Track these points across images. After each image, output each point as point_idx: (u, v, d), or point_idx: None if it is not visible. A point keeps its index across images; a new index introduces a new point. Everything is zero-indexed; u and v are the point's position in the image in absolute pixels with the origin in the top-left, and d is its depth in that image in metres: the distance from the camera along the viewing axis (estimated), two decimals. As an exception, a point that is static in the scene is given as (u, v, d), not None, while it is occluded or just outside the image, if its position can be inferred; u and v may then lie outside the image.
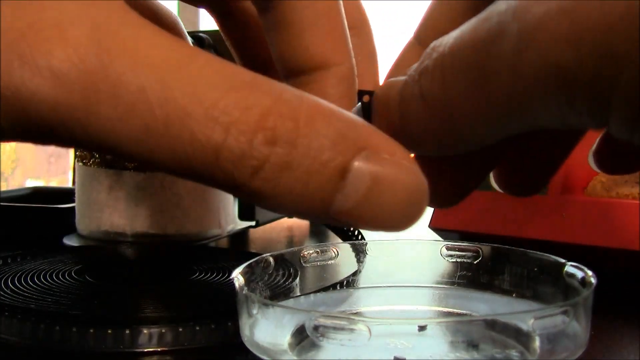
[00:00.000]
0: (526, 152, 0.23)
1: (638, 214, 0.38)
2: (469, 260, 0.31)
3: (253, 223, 0.52)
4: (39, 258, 0.40)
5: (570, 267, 0.27)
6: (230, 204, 0.50)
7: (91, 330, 0.28)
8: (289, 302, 0.30)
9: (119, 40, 0.15)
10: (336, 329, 0.21)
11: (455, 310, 0.30)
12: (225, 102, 0.15)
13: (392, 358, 0.23)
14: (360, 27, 0.24)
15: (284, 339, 0.24)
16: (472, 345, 0.24)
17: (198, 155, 0.15)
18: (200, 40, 0.31)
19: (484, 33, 0.16)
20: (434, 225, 0.47)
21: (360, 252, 0.32)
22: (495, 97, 0.16)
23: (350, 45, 0.22)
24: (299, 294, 0.31)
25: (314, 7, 0.21)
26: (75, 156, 0.50)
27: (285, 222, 0.65)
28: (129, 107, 0.15)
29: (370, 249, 0.32)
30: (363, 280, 0.32)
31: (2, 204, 0.55)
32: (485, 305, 0.30)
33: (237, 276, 0.26)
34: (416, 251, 0.32)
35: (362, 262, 0.32)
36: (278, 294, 0.30)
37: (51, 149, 1.86)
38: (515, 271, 0.30)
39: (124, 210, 0.45)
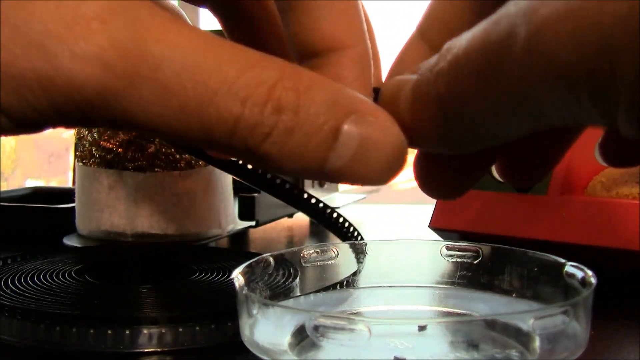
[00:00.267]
0: (528, 145, 0.23)
1: (638, 214, 0.38)
2: (469, 260, 0.31)
3: (253, 223, 0.52)
4: (39, 258, 0.40)
5: (570, 267, 0.27)
6: (230, 204, 0.50)
7: (91, 331, 0.28)
8: (289, 302, 0.30)
9: (152, 30, 0.17)
10: (336, 329, 0.21)
11: (455, 310, 0.30)
12: (243, 79, 0.17)
13: (392, 358, 0.23)
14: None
15: (284, 339, 0.24)
16: (472, 345, 0.24)
17: (221, 127, 0.17)
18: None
19: (494, 36, 0.16)
20: (434, 225, 0.47)
21: (360, 252, 0.32)
22: (508, 98, 0.16)
23: (366, 27, 0.22)
24: (299, 294, 0.31)
25: None
26: (75, 156, 0.50)
27: (285, 222, 0.65)
28: (167, 90, 0.17)
29: (370, 249, 0.32)
30: (363, 280, 0.32)
31: (2, 204, 0.55)
32: (485, 305, 0.30)
33: (237, 276, 0.26)
34: (416, 251, 0.32)
35: (361, 262, 0.32)
36: (278, 294, 0.30)
37: (51, 149, 1.87)
38: (515, 271, 0.30)
39: (124, 210, 0.45)
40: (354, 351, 0.21)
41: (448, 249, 0.32)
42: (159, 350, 0.28)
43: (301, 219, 0.65)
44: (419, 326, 0.24)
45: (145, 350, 0.28)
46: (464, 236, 0.44)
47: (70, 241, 0.48)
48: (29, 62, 0.16)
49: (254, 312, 0.24)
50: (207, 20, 1.01)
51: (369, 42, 0.22)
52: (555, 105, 0.15)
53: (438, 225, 0.46)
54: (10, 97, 0.17)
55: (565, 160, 0.25)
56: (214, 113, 0.17)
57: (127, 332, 0.28)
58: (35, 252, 0.41)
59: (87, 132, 0.47)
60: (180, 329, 0.28)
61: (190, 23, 0.21)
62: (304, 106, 0.18)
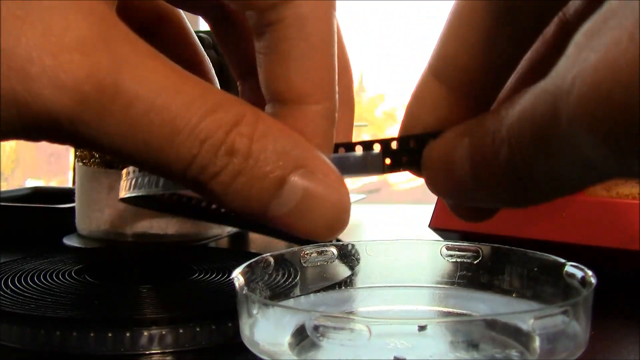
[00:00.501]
0: None
1: (638, 214, 0.38)
2: (469, 260, 0.31)
3: (253, 223, 0.52)
4: (39, 258, 0.40)
5: (570, 267, 0.27)
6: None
7: (91, 334, 0.28)
8: (289, 302, 0.30)
9: (130, 66, 0.18)
10: (336, 329, 0.21)
11: (455, 310, 0.30)
12: (204, 123, 0.18)
13: (392, 358, 0.23)
14: (343, 73, 0.24)
15: (284, 339, 0.24)
16: (472, 345, 0.24)
17: (178, 163, 0.18)
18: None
19: (540, 110, 0.17)
20: (434, 225, 0.47)
21: (356, 252, 0.32)
22: (563, 166, 0.17)
23: (336, 84, 0.22)
24: (299, 294, 0.31)
25: (308, 40, 0.21)
26: (75, 156, 0.50)
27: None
28: (135, 126, 0.18)
29: (370, 249, 0.32)
30: (363, 280, 0.32)
31: (2, 204, 0.55)
32: (485, 305, 0.30)
33: (237, 276, 0.26)
34: (416, 251, 0.32)
35: (358, 263, 0.32)
36: (278, 294, 0.30)
37: (51, 149, 1.87)
38: (515, 271, 0.30)
39: (124, 210, 0.45)
40: (354, 351, 0.21)
41: (448, 249, 0.32)
42: (159, 351, 0.28)
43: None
44: (419, 326, 0.24)
45: (146, 352, 0.28)
46: (464, 236, 0.44)
47: (70, 241, 0.48)
48: (7, 83, 0.17)
49: (254, 312, 0.24)
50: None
51: (337, 98, 0.22)
52: (609, 166, 0.16)
53: (438, 225, 0.46)
54: None
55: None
56: (174, 151, 0.18)
57: (128, 334, 0.28)
58: (35, 252, 0.41)
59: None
60: (181, 330, 0.28)
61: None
62: (255, 152, 0.19)
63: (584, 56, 0.15)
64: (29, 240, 0.52)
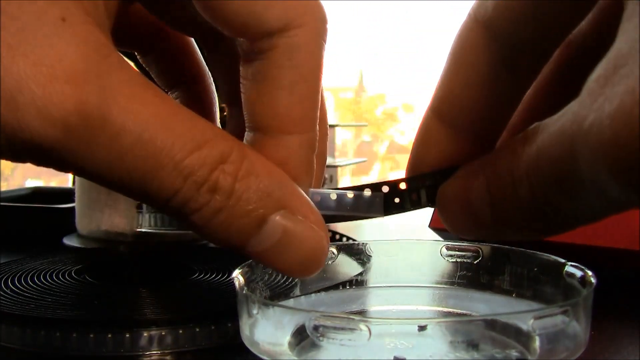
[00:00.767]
0: None
1: (638, 214, 0.38)
2: (469, 260, 0.31)
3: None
4: (39, 258, 0.40)
5: (570, 267, 0.27)
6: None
7: (91, 335, 0.28)
8: (289, 302, 0.30)
9: (119, 98, 0.18)
10: (336, 329, 0.21)
11: (455, 310, 0.30)
12: (189, 159, 0.19)
13: (392, 358, 0.23)
14: (319, 124, 0.24)
15: (284, 339, 0.24)
16: (472, 345, 0.24)
17: (160, 195, 0.19)
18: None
19: (559, 151, 0.17)
20: (434, 225, 0.47)
21: (362, 252, 0.32)
22: (585, 202, 0.17)
23: (318, 114, 0.22)
24: (299, 294, 0.30)
25: (298, 70, 0.21)
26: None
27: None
28: (120, 157, 0.18)
29: (370, 249, 0.32)
30: (363, 280, 0.32)
31: (2, 204, 0.55)
32: (485, 305, 0.30)
33: (237, 276, 0.26)
34: (416, 251, 0.32)
35: (368, 262, 0.32)
36: (278, 294, 0.30)
37: (51, 149, 1.86)
38: (515, 271, 0.30)
39: (124, 210, 0.45)
40: (354, 351, 0.21)
41: (448, 249, 0.31)
42: (159, 352, 0.28)
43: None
44: (419, 326, 0.24)
45: (146, 352, 0.28)
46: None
47: (70, 241, 0.48)
48: None
49: (254, 312, 0.24)
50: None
51: (317, 129, 0.22)
52: (631, 202, 0.17)
53: (438, 225, 0.46)
54: None
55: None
56: (157, 184, 0.18)
57: (128, 335, 0.28)
58: (35, 252, 0.41)
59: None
60: (180, 331, 0.28)
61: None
62: (237, 191, 0.19)
63: (599, 104, 0.15)
64: (29, 240, 0.52)
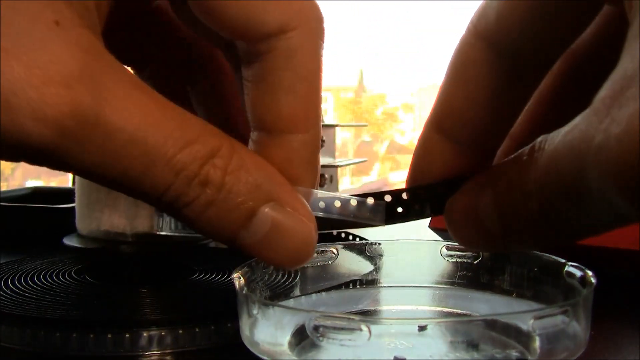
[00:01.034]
0: None
1: (638, 214, 0.38)
2: (469, 260, 0.31)
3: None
4: (39, 258, 0.40)
5: (570, 267, 0.27)
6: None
7: (91, 335, 0.28)
8: (289, 302, 0.30)
9: (113, 99, 0.18)
10: (336, 329, 0.21)
11: (455, 310, 0.30)
12: (180, 155, 0.19)
13: (392, 358, 0.23)
14: None
15: (284, 339, 0.24)
16: (472, 345, 0.24)
17: (153, 190, 0.19)
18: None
19: (567, 168, 0.17)
20: (434, 225, 0.47)
21: (371, 252, 0.32)
22: (595, 216, 0.18)
23: (320, 113, 0.23)
24: (299, 294, 0.30)
25: (297, 71, 0.22)
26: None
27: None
28: (114, 156, 0.18)
29: (370, 249, 0.32)
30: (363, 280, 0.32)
31: (2, 204, 0.55)
32: (485, 305, 0.30)
33: (237, 276, 0.26)
34: (416, 251, 0.32)
35: (377, 263, 0.32)
36: (278, 294, 0.30)
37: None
38: (515, 271, 0.30)
39: (124, 210, 0.45)
40: (354, 351, 0.21)
41: (448, 249, 0.31)
42: (159, 352, 0.28)
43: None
44: (419, 326, 0.24)
45: (145, 353, 0.28)
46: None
47: (70, 241, 0.48)
48: None
49: (254, 312, 0.24)
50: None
51: (320, 126, 0.23)
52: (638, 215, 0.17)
53: (438, 225, 0.46)
54: None
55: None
56: (149, 180, 0.19)
57: (127, 335, 0.28)
58: (35, 252, 0.41)
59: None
60: (180, 331, 0.28)
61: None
62: (227, 184, 0.20)
63: (606, 125, 0.16)
64: (29, 240, 0.52)
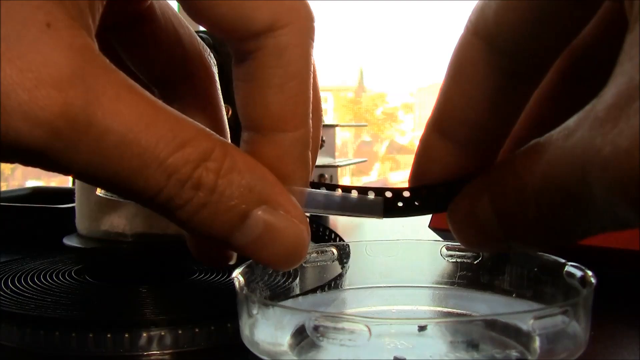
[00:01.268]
0: None
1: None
2: (469, 261, 0.31)
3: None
4: (39, 258, 0.40)
5: (570, 267, 0.27)
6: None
7: (91, 335, 0.28)
8: (289, 302, 0.30)
9: (104, 100, 0.18)
10: (336, 329, 0.21)
11: (455, 310, 0.30)
12: (173, 158, 0.19)
13: (392, 358, 0.23)
14: (313, 111, 0.25)
15: (284, 339, 0.24)
16: (472, 345, 0.24)
17: (145, 193, 0.19)
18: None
19: (568, 175, 0.17)
20: (434, 225, 0.47)
21: (345, 253, 0.32)
22: (594, 221, 0.18)
23: (311, 110, 0.23)
24: (298, 294, 0.30)
25: (286, 69, 0.22)
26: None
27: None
28: (105, 157, 0.18)
29: (370, 249, 0.32)
30: (363, 280, 0.32)
31: (2, 204, 0.55)
32: (485, 305, 0.30)
33: (237, 276, 0.26)
34: (416, 251, 0.32)
35: (345, 263, 0.32)
36: (278, 294, 0.30)
37: (51, 149, 1.86)
38: (515, 271, 0.30)
39: (124, 211, 0.45)
40: (354, 351, 0.21)
41: (448, 249, 0.31)
42: (158, 352, 0.28)
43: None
44: (419, 326, 0.24)
45: (145, 353, 0.28)
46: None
47: (70, 241, 0.48)
48: None
49: (254, 312, 0.24)
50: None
51: (311, 124, 0.23)
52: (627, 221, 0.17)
53: (438, 225, 0.46)
54: None
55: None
56: (142, 182, 0.19)
57: (127, 335, 0.28)
58: (35, 252, 0.41)
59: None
60: (180, 331, 0.28)
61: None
62: (220, 187, 0.20)
63: (614, 137, 0.16)
64: (29, 240, 0.52)
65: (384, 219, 0.24)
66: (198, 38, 0.28)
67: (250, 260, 0.28)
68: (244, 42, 0.21)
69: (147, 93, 0.19)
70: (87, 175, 0.19)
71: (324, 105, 0.25)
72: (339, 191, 0.23)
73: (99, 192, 0.26)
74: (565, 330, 0.22)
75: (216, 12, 0.21)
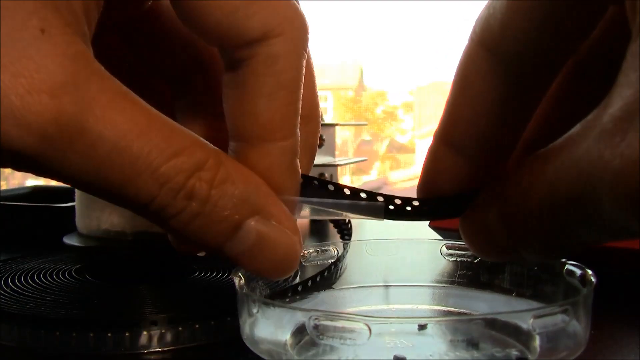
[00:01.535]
0: None
1: (638, 213, 0.38)
2: (469, 259, 0.31)
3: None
4: (39, 257, 0.40)
5: (570, 266, 0.27)
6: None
7: (91, 334, 0.28)
8: (289, 302, 0.30)
9: (97, 107, 0.18)
10: (336, 328, 0.21)
11: (455, 309, 0.30)
12: (166, 167, 0.19)
13: (392, 357, 0.23)
14: (310, 117, 0.25)
15: (284, 338, 0.24)
16: (472, 344, 0.24)
17: (137, 201, 0.19)
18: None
19: (576, 188, 0.17)
20: (434, 224, 0.47)
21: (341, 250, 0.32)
22: (601, 232, 0.18)
23: (299, 120, 0.23)
24: (299, 293, 0.30)
25: (276, 77, 0.21)
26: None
27: (285, 221, 0.65)
28: (96, 165, 0.18)
29: (370, 248, 0.32)
30: (363, 279, 0.32)
31: (2, 202, 0.55)
32: (485, 304, 0.30)
33: (237, 275, 0.26)
34: (416, 250, 0.32)
35: (340, 261, 0.32)
36: (278, 292, 0.30)
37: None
38: (515, 270, 0.30)
39: (124, 210, 0.45)
40: (354, 350, 0.21)
41: (448, 248, 0.32)
42: (159, 350, 0.28)
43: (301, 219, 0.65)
44: (419, 325, 0.24)
45: (145, 351, 0.28)
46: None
47: (70, 240, 0.48)
48: None
49: (254, 311, 0.24)
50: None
51: (298, 133, 0.23)
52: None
53: (438, 224, 0.46)
54: None
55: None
56: (134, 190, 0.19)
57: (127, 334, 0.28)
58: (36, 252, 0.41)
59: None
60: (180, 328, 0.28)
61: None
62: (213, 197, 0.20)
63: (623, 150, 0.16)
64: (29, 239, 0.52)
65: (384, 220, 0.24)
66: None
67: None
68: (236, 49, 0.21)
69: (142, 101, 0.19)
70: (79, 181, 0.19)
71: (323, 104, 0.25)
72: (346, 191, 0.23)
73: None
74: (565, 329, 0.22)
75: (210, 19, 0.21)
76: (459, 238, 0.23)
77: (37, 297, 0.32)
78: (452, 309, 0.30)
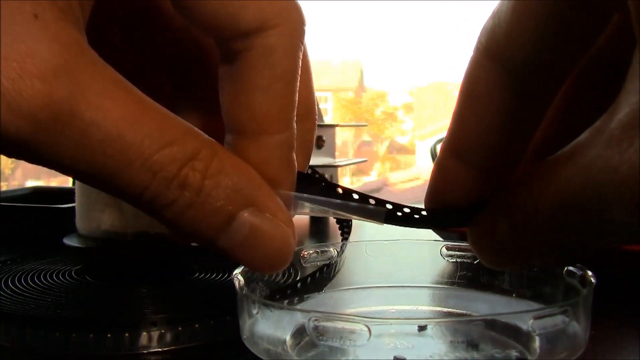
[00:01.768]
0: None
1: (638, 214, 0.38)
2: (469, 260, 0.31)
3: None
4: (39, 258, 0.40)
5: (570, 267, 0.27)
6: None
7: (91, 335, 0.28)
8: (289, 302, 0.30)
9: (89, 94, 0.18)
10: (336, 329, 0.21)
11: (455, 310, 0.30)
12: (158, 155, 0.19)
13: (392, 358, 0.23)
14: (307, 114, 0.25)
15: (284, 338, 0.24)
16: (472, 345, 0.24)
17: (129, 190, 0.19)
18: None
19: (587, 197, 0.17)
20: (434, 225, 0.47)
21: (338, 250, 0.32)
22: (611, 238, 0.18)
23: (295, 113, 0.23)
24: (299, 293, 0.30)
25: (273, 69, 0.21)
26: (75, 156, 0.49)
27: (285, 222, 0.65)
28: (89, 153, 0.18)
29: (370, 249, 0.32)
30: (363, 280, 0.32)
31: (2, 204, 0.55)
32: (485, 305, 0.30)
33: (237, 276, 0.26)
34: (416, 251, 0.32)
35: (337, 261, 0.32)
36: (278, 293, 0.30)
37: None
38: (515, 271, 0.30)
39: (124, 210, 0.45)
40: (353, 351, 0.21)
41: (448, 249, 0.32)
42: (159, 350, 0.28)
43: (301, 219, 0.65)
44: (418, 326, 0.24)
45: (145, 352, 0.28)
46: (464, 236, 0.44)
47: (70, 241, 0.48)
48: None
49: (254, 312, 0.24)
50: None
51: (295, 126, 0.23)
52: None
53: (438, 225, 0.46)
54: None
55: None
56: (126, 179, 0.19)
57: (127, 334, 0.28)
58: (36, 252, 0.41)
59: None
60: (180, 328, 0.28)
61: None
62: (206, 188, 0.20)
63: (630, 156, 0.16)
64: (29, 240, 0.52)
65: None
66: None
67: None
68: (232, 41, 0.21)
69: (136, 89, 0.19)
70: (71, 169, 0.19)
71: (324, 105, 0.25)
72: (354, 195, 0.23)
73: None
74: (565, 330, 0.22)
75: (205, 10, 0.20)
76: (459, 239, 0.23)
77: (37, 297, 0.32)
78: (452, 310, 0.30)
